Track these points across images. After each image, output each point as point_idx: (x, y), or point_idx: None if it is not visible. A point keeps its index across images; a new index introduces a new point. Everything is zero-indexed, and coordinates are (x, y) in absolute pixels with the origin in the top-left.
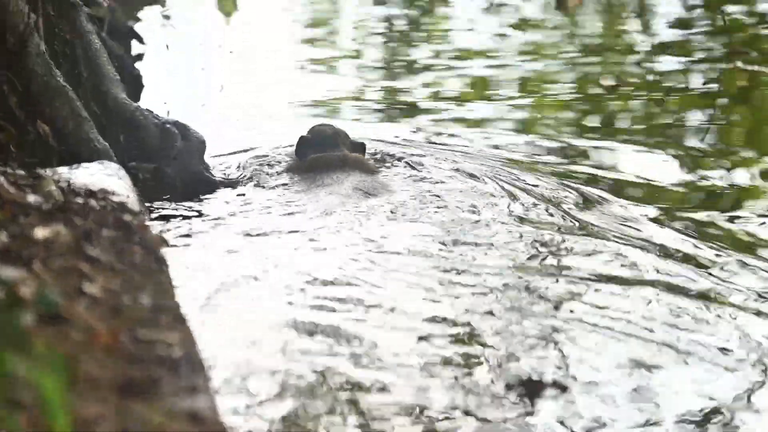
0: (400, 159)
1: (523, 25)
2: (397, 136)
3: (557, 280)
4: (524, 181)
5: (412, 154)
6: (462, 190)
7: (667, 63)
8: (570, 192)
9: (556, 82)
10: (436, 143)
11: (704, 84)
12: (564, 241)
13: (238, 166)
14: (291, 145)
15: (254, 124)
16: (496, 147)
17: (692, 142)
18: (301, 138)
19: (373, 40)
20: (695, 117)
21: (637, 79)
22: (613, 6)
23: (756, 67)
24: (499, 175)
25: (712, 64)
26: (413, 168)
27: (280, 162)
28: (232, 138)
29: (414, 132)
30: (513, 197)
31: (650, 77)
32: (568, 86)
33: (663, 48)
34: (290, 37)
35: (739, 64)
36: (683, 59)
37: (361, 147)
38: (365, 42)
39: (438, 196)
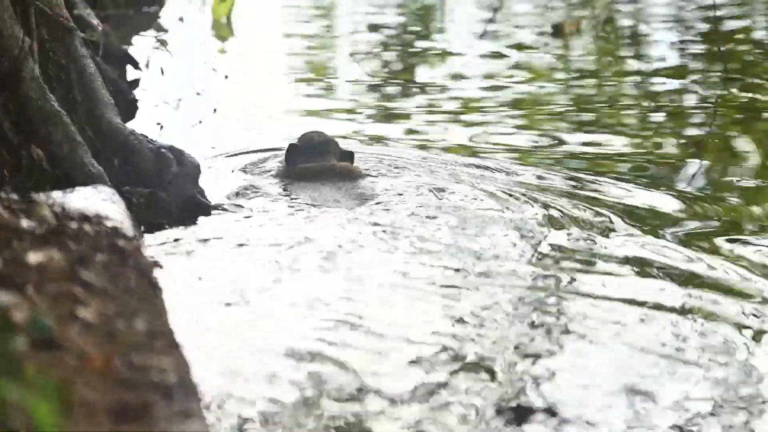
0: (389, 167)
1: (519, 49)
2: (387, 145)
3: (557, 300)
4: (516, 192)
5: (401, 164)
6: (449, 202)
7: (662, 85)
8: (560, 199)
9: (550, 104)
10: (427, 156)
11: (697, 107)
12: (563, 256)
13: (232, 171)
14: (282, 149)
15: (253, 124)
16: (490, 162)
17: (688, 173)
18: (291, 145)
19: (370, 64)
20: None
21: (632, 101)
22: (609, 33)
23: (750, 95)
24: (493, 186)
25: (707, 89)
26: (400, 177)
27: (270, 170)
28: (231, 138)
29: (404, 141)
30: (506, 207)
31: (645, 102)
32: (563, 106)
33: (657, 72)
34: (286, 71)
35: (734, 90)
36: (678, 81)
37: (349, 156)
38: (360, 62)
39: (425, 206)
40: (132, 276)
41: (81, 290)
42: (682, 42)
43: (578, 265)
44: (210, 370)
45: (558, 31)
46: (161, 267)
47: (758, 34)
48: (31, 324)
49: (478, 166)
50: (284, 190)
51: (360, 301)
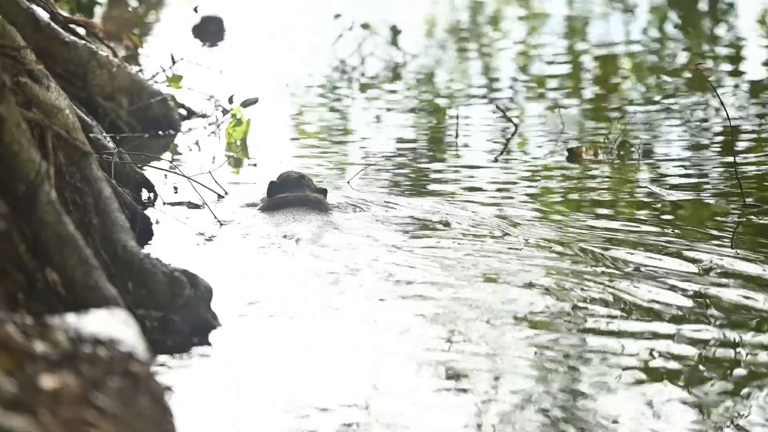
0: (357, 205)
1: (535, 174)
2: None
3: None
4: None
5: (371, 203)
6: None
7: (679, 212)
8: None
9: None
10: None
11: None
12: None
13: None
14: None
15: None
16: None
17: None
18: (271, 183)
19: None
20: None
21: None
22: (625, 156)
23: None
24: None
25: (724, 218)
26: (366, 212)
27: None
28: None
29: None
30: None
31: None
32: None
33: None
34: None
35: (753, 218)
36: (692, 201)
37: (323, 192)
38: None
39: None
40: (144, 401)
41: (94, 415)
42: (698, 159)
43: None
44: None
45: (574, 155)
46: (174, 392)
47: None
48: None
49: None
50: (262, 213)
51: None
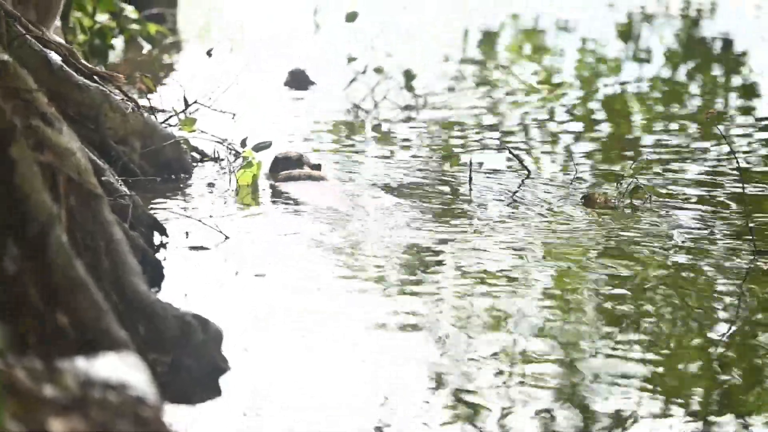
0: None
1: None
2: None
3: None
4: None
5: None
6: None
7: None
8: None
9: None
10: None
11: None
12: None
13: None
14: None
15: None
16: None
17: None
18: (275, 158)
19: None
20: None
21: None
22: (640, 203)
23: None
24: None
25: (735, 278)
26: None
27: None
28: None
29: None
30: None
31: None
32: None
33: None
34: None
35: (763, 265)
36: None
37: (318, 167)
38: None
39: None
40: None
41: None
42: (710, 213)
43: None
44: None
45: (589, 201)
46: None
47: None
48: None
49: None
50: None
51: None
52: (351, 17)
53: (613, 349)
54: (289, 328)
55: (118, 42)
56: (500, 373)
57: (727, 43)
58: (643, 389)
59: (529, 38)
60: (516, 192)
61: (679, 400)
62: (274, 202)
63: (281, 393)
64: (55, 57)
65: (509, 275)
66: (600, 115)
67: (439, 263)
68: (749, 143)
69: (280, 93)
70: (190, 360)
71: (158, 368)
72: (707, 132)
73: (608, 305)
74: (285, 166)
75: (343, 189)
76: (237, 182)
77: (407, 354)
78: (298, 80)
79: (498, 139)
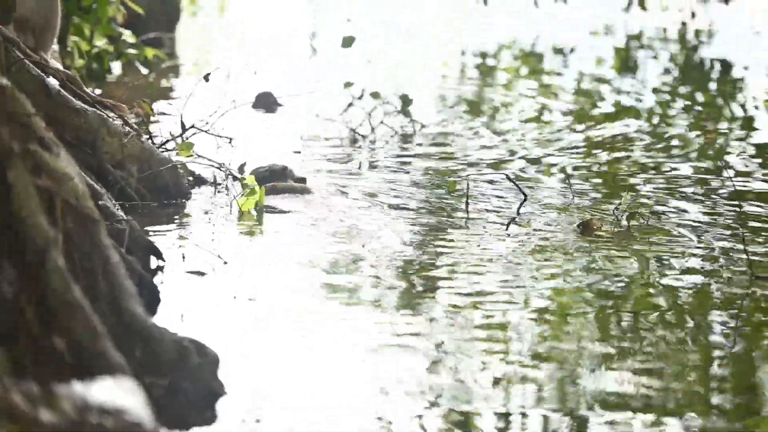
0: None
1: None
2: None
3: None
4: None
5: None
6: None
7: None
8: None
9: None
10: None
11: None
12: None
13: None
14: None
15: None
16: None
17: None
18: (258, 171)
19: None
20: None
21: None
22: (634, 227)
23: None
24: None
25: (732, 302)
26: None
27: None
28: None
29: None
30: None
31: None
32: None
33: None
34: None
35: (758, 289)
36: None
37: (303, 180)
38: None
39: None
40: None
41: None
42: (708, 236)
43: None
44: None
45: (586, 228)
46: None
47: None
48: None
49: None
50: None
51: None
52: (347, 42)
53: (609, 368)
54: (286, 335)
55: (116, 66)
56: (499, 375)
57: (726, 65)
58: (638, 409)
59: (527, 61)
60: (514, 218)
61: (674, 420)
62: (267, 221)
63: (281, 393)
64: (53, 81)
65: (504, 296)
66: (598, 139)
67: (433, 279)
68: (745, 163)
69: (249, 115)
70: (187, 384)
71: (154, 392)
72: (706, 155)
73: (604, 324)
74: (270, 178)
75: (330, 203)
76: (239, 208)
77: (405, 359)
78: (265, 103)
79: (495, 163)
